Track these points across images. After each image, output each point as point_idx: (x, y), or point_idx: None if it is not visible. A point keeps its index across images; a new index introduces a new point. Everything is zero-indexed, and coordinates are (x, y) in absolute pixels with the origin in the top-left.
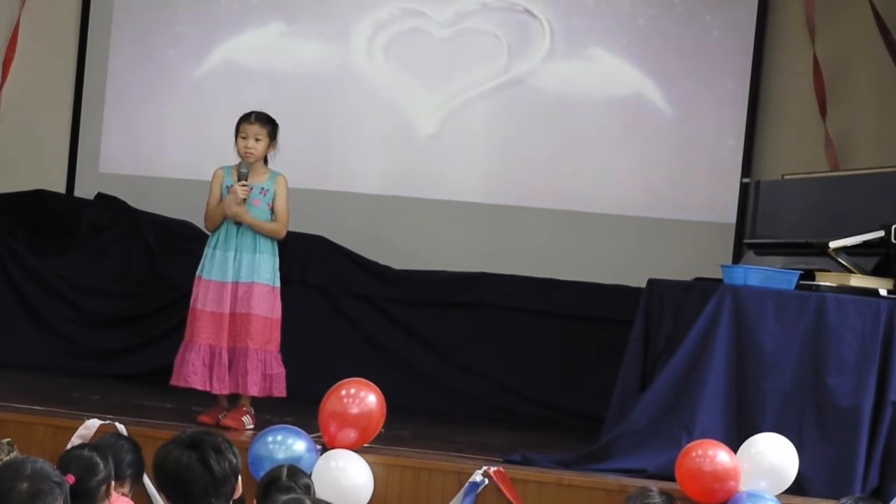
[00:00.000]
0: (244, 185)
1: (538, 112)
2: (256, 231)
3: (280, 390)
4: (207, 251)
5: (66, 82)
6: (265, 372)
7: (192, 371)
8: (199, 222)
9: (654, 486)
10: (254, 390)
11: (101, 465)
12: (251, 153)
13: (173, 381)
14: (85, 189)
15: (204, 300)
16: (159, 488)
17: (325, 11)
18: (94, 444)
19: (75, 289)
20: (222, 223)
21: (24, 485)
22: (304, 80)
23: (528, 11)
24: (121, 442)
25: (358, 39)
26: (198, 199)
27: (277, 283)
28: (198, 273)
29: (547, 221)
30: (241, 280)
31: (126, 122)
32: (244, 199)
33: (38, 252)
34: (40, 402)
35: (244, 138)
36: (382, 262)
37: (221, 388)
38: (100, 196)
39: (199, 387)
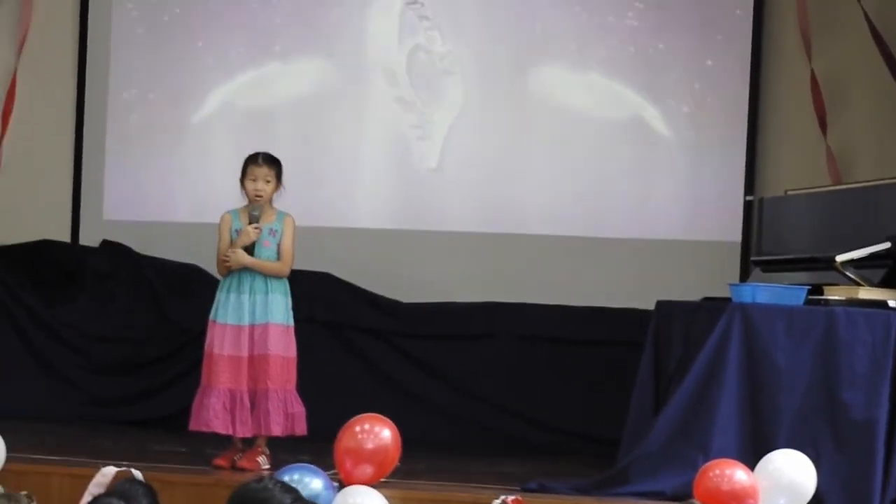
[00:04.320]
0: (257, 228)
1: (538, 139)
2: (260, 271)
3: (301, 429)
4: (220, 295)
5: (66, 130)
6: (287, 411)
7: (214, 415)
8: (206, 266)
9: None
10: (277, 430)
11: None
12: (261, 195)
13: (192, 426)
14: (90, 237)
15: (221, 344)
16: None
17: (320, 50)
18: (120, 492)
19: (84, 337)
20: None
21: None
22: (303, 119)
23: (520, 35)
24: (135, 487)
25: (355, 76)
26: (203, 242)
27: (291, 322)
28: (211, 317)
29: (551, 248)
30: (256, 322)
31: (128, 169)
32: (254, 241)
33: (46, 302)
34: (56, 452)
35: (253, 181)
36: (390, 296)
37: (244, 430)
38: (105, 243)
39: (221, 430)
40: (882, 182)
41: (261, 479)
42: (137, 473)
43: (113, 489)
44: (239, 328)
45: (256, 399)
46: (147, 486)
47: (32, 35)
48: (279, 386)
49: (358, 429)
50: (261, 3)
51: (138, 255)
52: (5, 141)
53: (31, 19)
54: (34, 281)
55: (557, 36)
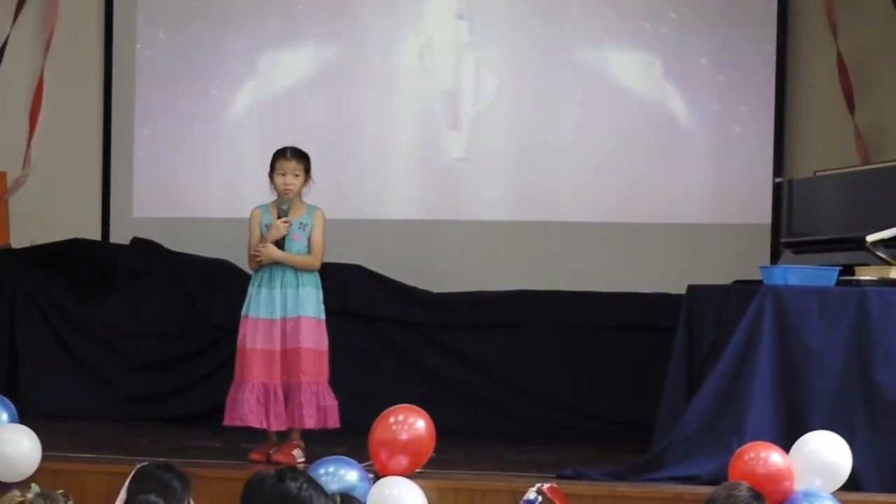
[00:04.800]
0: (286, 222)
1: (564, 126)
2: (291, 265)
3: (334, 421)
4: (252, 290)
5: (94, 128)
6: (319, 404)
7: (248, 410)
8: (236, 260)
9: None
10: (310, 423)
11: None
12: (290, 189)
13: (227, 421)
14: (120, 234)
15: (253, 339)
16: None
17: (349, 42)
18: (152, 475)
19: (117, 335)
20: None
21: None
22: (331, 112)
23: (546, 23)
24: (159, 472)
25: (382, 68)
26: (233, 237)
27: (323, 316)
28: (243, 312)
29: (581, 234)
30: (287, 316)
31: (156, 165)
32: (284, 235)
33: (78, 300)
34: (91, 450)
35: (282, 175)
36: (421, 286)
37: (278, 424)
38: (136, 240)
39: (256, 424)
40: None
41: (295, 476)
42: None
43: (144, 475)
44: (271, 322)
45: (290, 392)
46: (176, 471)
47: (58, 34)
48: (311, 379)
49: (392, 420)
50: None
51: (169, 251)
52: (34, 140)
53: (56, 18)
54: (66, 280)
55: (584, 24)
